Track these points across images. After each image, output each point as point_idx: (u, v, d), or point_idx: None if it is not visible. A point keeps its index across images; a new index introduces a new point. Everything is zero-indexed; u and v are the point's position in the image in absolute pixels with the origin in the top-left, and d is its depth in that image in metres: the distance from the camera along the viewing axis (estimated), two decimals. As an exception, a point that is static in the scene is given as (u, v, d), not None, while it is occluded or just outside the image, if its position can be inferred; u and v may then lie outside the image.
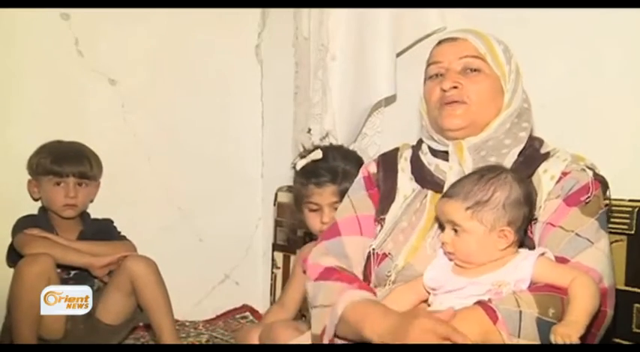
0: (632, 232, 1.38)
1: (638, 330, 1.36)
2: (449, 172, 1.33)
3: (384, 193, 1.44)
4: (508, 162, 1.31)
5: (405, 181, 1.43)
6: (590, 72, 1.60)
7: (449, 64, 1.37)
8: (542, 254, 1.19)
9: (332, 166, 1.75)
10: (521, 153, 1.33)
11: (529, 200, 1.23)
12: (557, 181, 1.29)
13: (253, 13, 2.68)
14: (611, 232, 1.40)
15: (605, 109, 1.57)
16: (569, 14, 1.61)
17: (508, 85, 1.37)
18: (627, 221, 1.39)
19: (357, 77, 2.07)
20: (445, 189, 1.30)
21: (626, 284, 1.38)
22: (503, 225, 1.19)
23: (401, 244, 1.34)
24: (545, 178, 1.30)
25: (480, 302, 1.12)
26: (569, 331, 1.06)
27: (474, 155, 1.33)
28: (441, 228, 1.26)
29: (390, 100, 2.10)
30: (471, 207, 1.19)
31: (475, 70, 1.36)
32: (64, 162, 2.14)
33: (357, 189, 1.49)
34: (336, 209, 1.67)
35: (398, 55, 2.01)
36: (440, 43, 1.42)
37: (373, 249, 1.36)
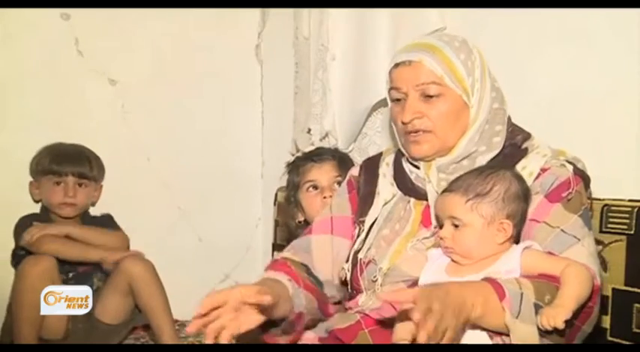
0: (632, 232, 1.37)
1: (638, 330, 1.36)
2: (427, 185, 1.35)
3: (362, 196, 1.47)
4: (479, 164, 1.32)
5: (386, 185, 1.44)
6: (589, 70, 1.59)
7: (407, 90, 1.33)
8: (528, 247, 1.20)
9: (333, 148, 1.95)
10: (499, 152, 1.33)
11: (527, 196, 1.24)
12: (536, 178, 1.29)
13: (253, 13, 2.68)
14: (611, 232, 1.40)
15: (603, 108, 1.56)
16: (565, 12, 1.60)
17: (472, 100, 1.34)
18: (627, 221, 1.38)
19: (357, 77, 2.07)
20: (428, 199, 1.34)
21: (626, 284, 1.37)
22: (502, 217, 1.20)
23: (384, 250, 1.35)
24: (523, 175, 1.29)
25: (486, 279, 1.12)
26: (555, 313, 1.06)
27: (444, 169, 1.34)
28: (440, 226, 1.27)
29: (390, 100, 2.09)
30: (471, 199, 1.20)
31: (434, 96, 1.32)
32: (64, 162, 2.15)
33: (340, 193, 1.54)
34: (338, 183, 1.72)
35: (398, 54, 2.01)
36: (397, 65, 1.35)
37: (360, 259, 1.37)
